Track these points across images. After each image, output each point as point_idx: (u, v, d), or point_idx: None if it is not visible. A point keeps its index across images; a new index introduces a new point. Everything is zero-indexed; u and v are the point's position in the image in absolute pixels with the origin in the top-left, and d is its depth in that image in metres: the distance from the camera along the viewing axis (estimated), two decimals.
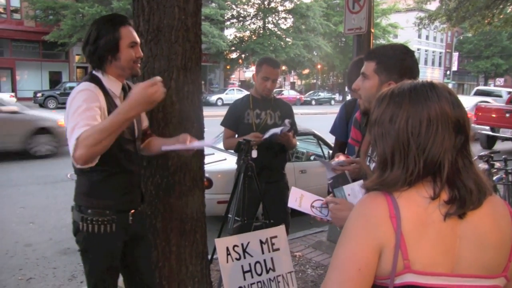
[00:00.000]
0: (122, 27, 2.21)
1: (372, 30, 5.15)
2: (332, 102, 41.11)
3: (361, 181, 1.92)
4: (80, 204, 2.26)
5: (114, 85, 2.27)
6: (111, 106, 2.19)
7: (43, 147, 10.44)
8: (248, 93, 4.04)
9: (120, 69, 2.24)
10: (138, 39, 2.29)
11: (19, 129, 9.94)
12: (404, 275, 1.17)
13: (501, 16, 16.39)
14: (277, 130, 3.49)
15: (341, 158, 2.51)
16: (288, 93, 39.48)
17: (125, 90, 2.38)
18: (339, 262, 1.20)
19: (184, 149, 2.44)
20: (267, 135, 3.52)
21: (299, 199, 1.97)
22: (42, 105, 25.80)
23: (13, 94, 26.55)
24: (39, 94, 26.69)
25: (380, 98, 1.31)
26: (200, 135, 3.06)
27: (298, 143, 5.11)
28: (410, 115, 1.21)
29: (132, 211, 2.37)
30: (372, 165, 1.86)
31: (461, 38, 52.63)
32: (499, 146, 14.07)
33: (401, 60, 1.83)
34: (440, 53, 62.14)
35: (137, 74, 2.34)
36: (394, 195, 1.20)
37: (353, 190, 1.87)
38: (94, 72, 2.26)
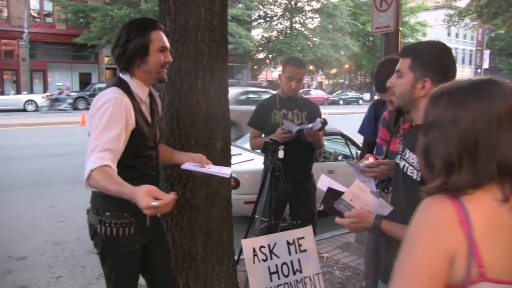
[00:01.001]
0: (153, 31, 2.19)
1: (400, 28, 5.06)
2: (360, 101, 40.73)
3: (357, 181, 1.91)
4: (98, 207, 2.25)
5: (141, 90, 2.26)
6: (137, 113, 2.18)
7: None
8: (275, 93, 4.02)
9: (147, 73, 2.23)
10: (168, 44, 2.27)
11: None
12: (479, 284, 1.10)
13: None
14: (307, 125, 3.49)
15: (370, 159, 2.48)
16: (315, 93, 39.25)
17: (152, 96, 2.38)
18: (407, 272, 1.14)
19: (201, 173, 2.43)
20: (297, 128, 3.53)
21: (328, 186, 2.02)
22: (73, 106, 26.30)
23: (44, 95, 27.17)
24: None
25: (435, 98, 1.24)
26: (226, 135, 3.05)
27: (326, 143, 5.07)
28: (476, 114, 1.14)
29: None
30: (402, 163, 1.83)
31: (493, 35, 51.40)
32: None
33: (437, 57, 1.77)
34: (471, 51, 60.92)
35: (164, 79, 2.31)
36: (461, 198, 1.13)
37: (354, 193, 1.86)
38: (121, 75, 2.25)
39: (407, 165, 1.80)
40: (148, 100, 2.33)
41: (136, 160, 2.23)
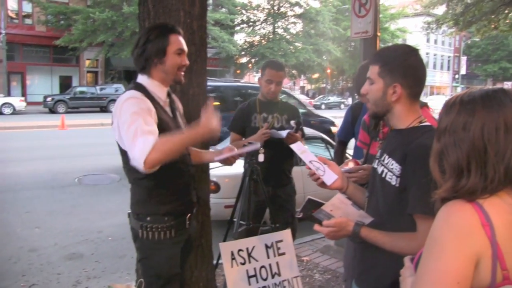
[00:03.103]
0: (172, 34, 2.28)
1: (378, 34, 5.15)
2: (342, 106, 40.99)
3: (338, 194, 1.92)
4: (138, 212, 2.29)
5: (159, 91, 2.31)
6: (158, 110, 2.22)
7: None
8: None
9: (164, 73, 2.28)
10: (186, 48, 2.33)
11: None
12: (503, 287, 1.12)
13: (507, 21, 16.35)
14: (282, 133, 3.49)
15: (350, 164, 2.48)
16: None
17: (170, 96, 2.42)
18: (433, 277, 1.14)
19: (233, 156, 2.53)
20: (284, 134, 3.55)
21: (301, 152, 2.09)
22: (52, 110, 26.00)
23: (23, 98, 26.77)
24: (49, 99, 26.80)
25: (448, 106, 1.28)
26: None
27: (306, 147, 5.08)
28: (485, 122, 1.18)
29: (189, 214, 2.41)
30: (381, 169, 1.83)
31: (469, 42, 52.66)
32: None
33: (403, 61, 1.78)
34: (449, 57, 61.97)
35: (181, 81, 2.37)
36: (480, 202, 1.16)
37: (334, 205, 1.86)
38: (138, 79, 2.30)
39: (386, 170, 1.79)
40: (167, 101, 2.38)
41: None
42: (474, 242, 1.12)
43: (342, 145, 3.88)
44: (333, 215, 1.86)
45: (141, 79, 2.29)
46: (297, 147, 2.13)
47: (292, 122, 3.55)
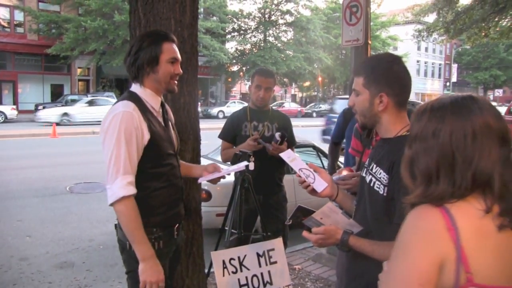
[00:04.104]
0: (165, 42, 2.22)
1: (369, 42, 5.19)
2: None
3: (329, 203, 1.92)
4: None
5: (153, 100, 2.26)
6: (152, 123, 2.18)
7: None
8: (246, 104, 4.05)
9: (157, 82, 2.23)
10: (179, 57, 2.29)
11: None
12: None
13: (497, 29, 16.53)
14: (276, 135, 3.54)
15: (344, 172, 2.48)
16: (289, 106, 39.46)
17: (163, 106, 2.37)
18: (398, 279, 1.17)
19: (218, 177, 2.53)
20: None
21: (291, 160, 2.08)
22: None
23: (14, 106, 26.64)
24: (40, 107, 26.71)
25: (419, 113, 1.30)
26: (196, 146, 3.05)
27: (297, 155, 5.09)
28: (454, 129, 1.20)
29: (177, 225, 2.37)
30: (369, 178, 1.84)
31: (460, 50, 53.05)
32: None
33: (387, 70, 1.79)
34: (440, 64, 62.38)
35: (174, 90, 2.32)
36: (447, 207, 1.18)
37: (324, 213, 1.87)
38: (132, 88, 2.26)
39: (374, 179, 1.80)
40: (160, 111, 2.33)
41: (160, 169, 2.24)
42: (439, 246, 1.15)
43: (336, 145, 4.34)
44: (323, 223, 1.86)
45: (135, 88, 2.25)
46: (287, 155, 2.13)
47: (277, 135, 3.55)
